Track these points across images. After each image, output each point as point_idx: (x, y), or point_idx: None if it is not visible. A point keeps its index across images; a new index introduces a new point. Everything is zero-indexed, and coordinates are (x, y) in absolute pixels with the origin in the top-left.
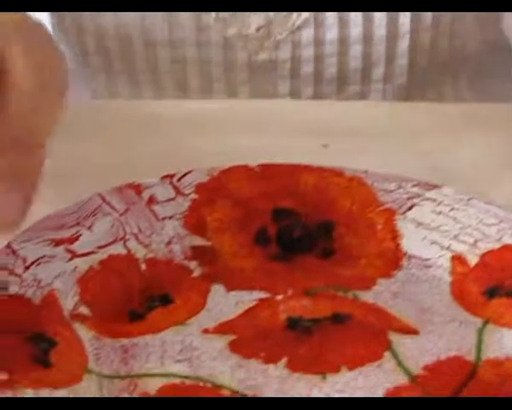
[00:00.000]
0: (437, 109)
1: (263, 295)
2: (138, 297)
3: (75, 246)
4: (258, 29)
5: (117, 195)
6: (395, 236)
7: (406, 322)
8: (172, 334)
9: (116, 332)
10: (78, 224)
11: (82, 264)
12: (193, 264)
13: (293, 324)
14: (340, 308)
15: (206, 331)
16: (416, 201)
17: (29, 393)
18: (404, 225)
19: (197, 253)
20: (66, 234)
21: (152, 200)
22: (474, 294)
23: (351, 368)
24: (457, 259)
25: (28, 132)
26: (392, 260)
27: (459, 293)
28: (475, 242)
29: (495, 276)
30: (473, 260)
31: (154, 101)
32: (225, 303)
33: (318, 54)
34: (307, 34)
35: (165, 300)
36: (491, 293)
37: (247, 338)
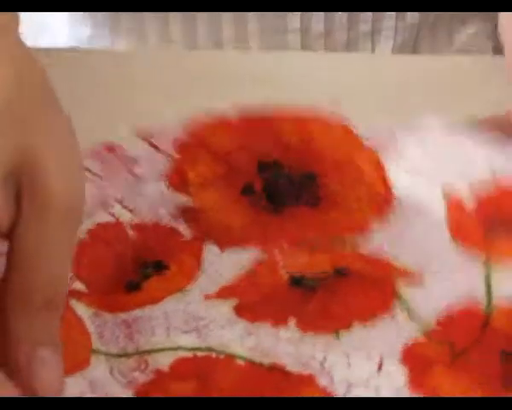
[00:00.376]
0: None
1: (258, 252)
2: (131, 266)
3: None
4: None
5: (94, 158)
6: (384, 178)
7: (409, 269)
8: (174, 303)
9: (115, 306)
10: None
11: None
12: (181, 225)
13: (295, 282)
14: (340, 262)
15: (208, 297)
16: (403, 140)
17: None
18: (393, 167)
19: (183, 212)
20: None
21: (131, 160)
22: (474, 232)
23: (362, 323)
24: (450, 196)
25: (54, 289)
26: (384, 203)
27: (457, 232)
28: (467, 176)
29: (493, 213)
30: (467, 196)
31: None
32: (221, 264)
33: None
34: None
35: (159, 266)
36: (492, 230)
37: (251, 301)
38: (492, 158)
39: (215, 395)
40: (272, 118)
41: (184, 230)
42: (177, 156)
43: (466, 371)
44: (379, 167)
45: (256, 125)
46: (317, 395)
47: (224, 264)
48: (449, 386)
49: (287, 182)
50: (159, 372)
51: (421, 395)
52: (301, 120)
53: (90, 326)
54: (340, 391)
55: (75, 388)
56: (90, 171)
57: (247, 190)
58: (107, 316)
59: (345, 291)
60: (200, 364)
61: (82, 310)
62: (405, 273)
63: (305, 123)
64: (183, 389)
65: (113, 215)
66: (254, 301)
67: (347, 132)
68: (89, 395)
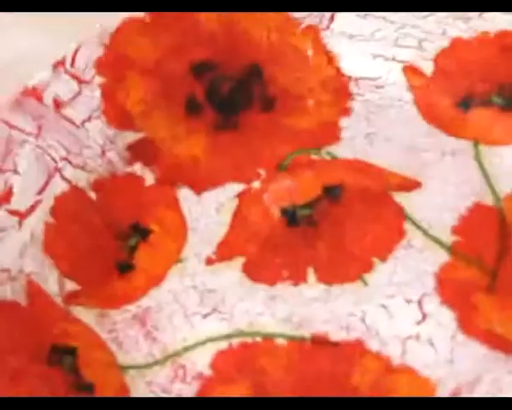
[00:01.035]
0: None
1: (238, 186)
2: (108, 237)
3: (14, 203)
4: None
5: (18, 111)
6: (331, 58)
7: (401, 174)
8: (177, 280)
9: (116, 298)
10: (0, 171)
11: (35, 225)
12: (138, 168)
13: (290, 217)
14: (326, 179)
15: (209, 262)
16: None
17: None
18: (336, 42)
19: (136, 152)
20: None
21: (58, 103)
22: (447, 109)
23: (383, 259)
24: (410, 70)
25: None
26: (339, 89)
27: (430, 112)
28: (420, 43)
29: (460, 82)
30: (427, 67)
31: None
32: (205, 213)
33: None
34: None
35: (140, 231)
36: (465, 104)
37: (255, 256)
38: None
39: (274, 390)
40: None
41: (143, 172)
42: (104, 82)
43: (507, 294)
44: (319, 43)
45: (172, 20)
46: (376, 364)
47: (207, 211)
48: (498, 317)
49: (230, 85)
50: (202, 377)
51: (476, 338)
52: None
53: (101, 332)
54: (395, 352)
55: None
56: (19, 129)
57: (192, 106)
58: (115, 314)
59: (347, 220)
60: (242, 356)
61: (85, 315)
62: (401, 182)
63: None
64: (239, 392)
65: (67, 180)
66: (257, 254)
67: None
68: None
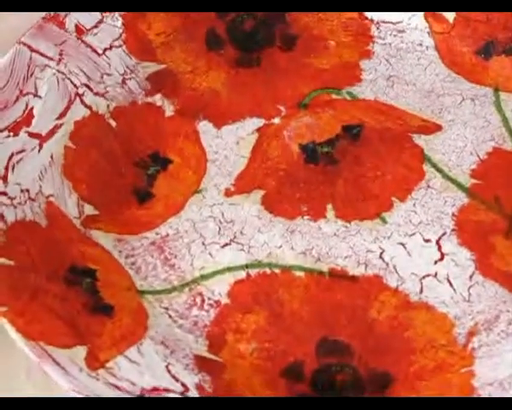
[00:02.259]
0: None
1: (258, 121)
2: (127, 163)
3: (35, 126)
4: None
5: (40, 36)
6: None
7: (422, 117)
8: (196, 210)
9: (135, 225)
10: (21, 93)
11: (55, 148)
12: (158, 99)
13: (310, 154)
14: (346, 118)
15: (228, 194)
16: None
17: None
18: None
19: (156, 82)
20: (16, 113)
21: (80, 30)
22: (468, 56)
23: (402, 198)
24: (432, 16)
25: None
26: (361, 31)
27: (450, 58)
28: None
29: (482, 30)
30: (450, 14)
31: None
32: (225, 146)
33: None
34: None
35: (160, 161)
36: (486, 52)
37: (274, 190)
38: None
39: (291, 320)
40: None
41: (162, 102)
42: (126, 13)
43: None
44: None
45: None
46: (394, 299)
47: (226, 144)
48: None
49: (253, 23)
50: (220, 306)
51: (493, 279)
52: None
53: (119, 257)
54: (413, 289)
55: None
56: (40, 53)
57: (212, 40)
58: (133, 241)
59: (367, 157)
60: (260, 286)
61: (104, 240)
62: (421, 125)
63: None
64: (255, 322)
65: (87, 106)
66: (277, 187)
67: None
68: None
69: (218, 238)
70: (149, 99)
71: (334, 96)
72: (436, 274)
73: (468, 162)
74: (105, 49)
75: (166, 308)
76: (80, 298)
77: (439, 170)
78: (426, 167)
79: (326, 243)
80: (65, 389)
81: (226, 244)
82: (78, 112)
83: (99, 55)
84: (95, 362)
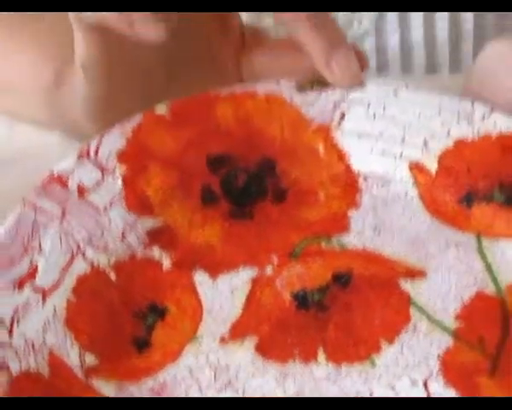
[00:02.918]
0: None
1: (251, 271)
2: (127, 315)
3: (39, 281)
4: None
5: (44, 196)
6: (341, 155)
7: (407, 263)
8: (192, 356)
9: (134, 372)
10: (26, 251)
11: (58, 302)
12: (156, 252)
13: (301, 301)
14: (336, 266)
15: (223, 341)
16: (344, 108)
17: None
18: (346, 141)
19: (155, 237)
20: (22, 269)
21: (82, 190)
22: (450, 205)
23: (390, 341)
24: (416, 167)
25: None
26: (349, 184)
27: (434, 207)
28: (425, 142)
29: (463, 180)
30: (432, 165)
31: None
32: (220, 296)
33: (381, 61)
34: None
35: (158, 311)
36: (468, 200)
37: (267, 336)
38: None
39: None
40: (205, 104)
41: (160, 255)
42: (125, 171)
43: (509, 378)
44: (330, 141)
45: (191, 116)
46: None
47: (222, 294)
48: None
49: (245, 177)
50: None
51: None
52: (235, 100)
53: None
54: None
55: None
56: (44, 212)
57: (207, 196)
58: (133, 388)
59: (357, 304)
60: None
61: (105, 388)
62: (407, 270)
63: (239, 102)
64: None
65: (88, 261)
66: (270, 334)
67: (281, 103)
68: None
69: (213, 383)
70: (148, 253)
71: (323, 246)
72: None
73: (452, 306)
74: (105, 207)
75: None
76: None
77: (425, 313)
78: (412, 311)
79: (317, 386)
80: None
81: (221, 389)
82: (80, 267)
83: (100, 212)
84: None
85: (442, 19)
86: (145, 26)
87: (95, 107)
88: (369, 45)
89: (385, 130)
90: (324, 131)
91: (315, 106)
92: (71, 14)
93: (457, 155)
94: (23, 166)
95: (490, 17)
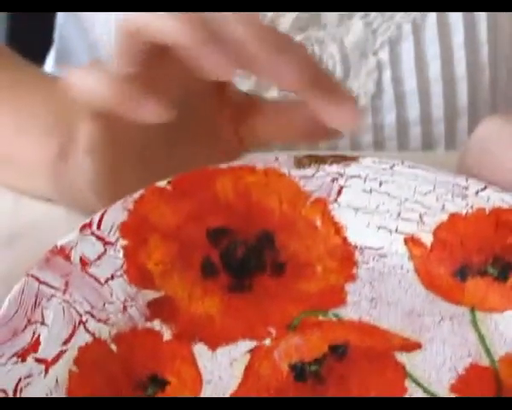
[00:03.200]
0: None
1: (250, 343)
2: (127, 386)
3: (41, 352)
4: None
5: (47, 268)
6: (338, 228)
7: (403, 336)
8: None
9: None
10: (29, 322)
11: (60, 373)
12: (157, 324)
13: (298, 372)
14: (332, 338)
15: None
16: (341, 182)
17: None
18: (343, 214)
19: (155, 309)
20: (24, 341)
21: (84, 262)
22: (445, 278)
23: None
24: (411, 241)
25: None
26: (346, 257)
27: (429, 280)
28: (421, 217)
29: (458, 254)
30: (427, 239)
31: None
32: (219, 367)
33: (378, 138)
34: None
35: (158, 382)
36: (462, 274)
37: None
38: (446, 199)
39: None
40: (205, 178)
41: (161, 327)
42: (127, 244)
43: None
44: (327, 215)
45: (191, 189)
46: None
47: (221, 366)
48: None
49: (245, 250)
50: None
51: None
52: (234, 174)
53: None
54: None
55: None
56: (47, 284)
57: (207, 268)
58: None
59: (354, 377)
60: None
61: None
62: (403, 343)
63: (238, 176)
64: None
65: (90, 333)
66: None
67: (280, 176)
68: None
69: None
70: (149, 324)
71: (320, 318)
72: None
73: (447, 378)
74: (107, 279)
75: None
76: None
77: (420, 385)
78: (408, 383)
79: None
80: None
81: None
82: (82, 338)
83: (102, 284)
84: None
85: (437, 95)
86: (145, 109)
87: (98, 182)
88: (365, 122)
89: (381, 204)
90: (322, 205)
91: (313, 180)
92: (75, 106)
93: (452, 229)
94: (29, 240)
95: (484, 94)
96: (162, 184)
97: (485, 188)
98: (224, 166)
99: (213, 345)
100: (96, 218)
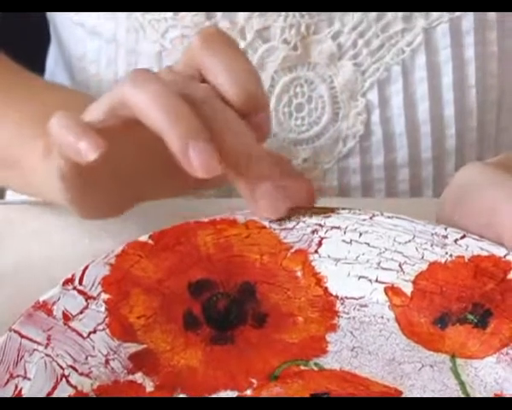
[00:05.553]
0: None
1: (230, 393)
2: None
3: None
4: (305, 160)
5: (30, 323)
6: (319, 279)
7: (384, 383)
8: None
9: None
10: (11, 376)
11: None
12: (139, 376)
13: None
14: (313, 387)
15: None
16: (321, 233)
17: None
18: (323, 265)
19: (137, 361)
20: (7, 394)
21: (67, 317)
22: (425, 326)
23: None
24: (391, 290)
25: None
26: (327, 307)
27: (409, 329)
28: (400, 266)
29: (438, 302)
30: (407, 288)
31: None
32: None
33: (366, 180)
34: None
35: None
36: (442, 322)
37: None
38: (425, 248)
39: None
40: (186, 232)
41: (143, 380)
42: (109, 298)
43: None
44: (308, 266)
45: (173, 243)
46: None
47: None
48: None
49: (226, 302)
50: None
51: None
52: (215, 228)
53: None
54: None
55: None
56: (29, 339)
57: (189, 321)
58: None
59: None
60: None
61: None
62: (384, 390)
63: (219, 229)
64: None
65: (73, 386)
66: None
67: (260, 228)
68: None
69: None
70: (131, 377)
71: (302, 368)
72: None
73: None
74: (89, 333)
75: None
76: None
77: None
78: None
79: None
80: None
81: None
82: (64, 391)
83: (84, 338)
84: None
85: (426, 137)
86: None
87: (68, 200)
88: (353, 164)
89: (361, 254)
90: (302, 256)
91: (293, 232)
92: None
93: (431, 278)
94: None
95: (472, 137)
96: (143, 238)
97: (464, 237)
98: (204, 219)
99: (195, 395)
100: (78, 273)
